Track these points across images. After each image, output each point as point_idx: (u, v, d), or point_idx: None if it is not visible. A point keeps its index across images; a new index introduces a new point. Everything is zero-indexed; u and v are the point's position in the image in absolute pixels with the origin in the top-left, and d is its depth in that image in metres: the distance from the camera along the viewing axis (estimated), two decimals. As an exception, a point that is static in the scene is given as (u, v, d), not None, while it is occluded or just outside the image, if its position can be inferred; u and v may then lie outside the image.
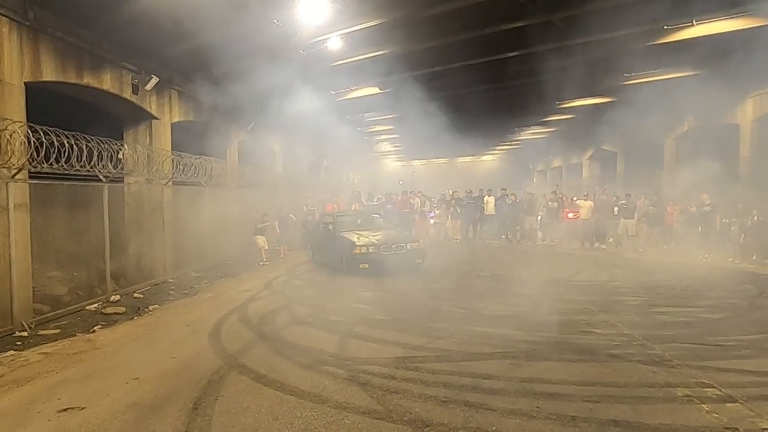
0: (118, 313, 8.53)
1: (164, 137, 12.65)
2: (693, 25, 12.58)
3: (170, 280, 11.51)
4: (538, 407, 4.49)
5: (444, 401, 4.62)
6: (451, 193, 19.63)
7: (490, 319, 7.59)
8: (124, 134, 12.44)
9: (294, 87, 14.25)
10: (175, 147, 12.89)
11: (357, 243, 11.69)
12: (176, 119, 13.14)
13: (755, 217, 13.48)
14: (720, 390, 4.80)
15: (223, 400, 4.74)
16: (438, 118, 16.50)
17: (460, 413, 4.39)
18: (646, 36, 13.35)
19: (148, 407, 4.66)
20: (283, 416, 4.41)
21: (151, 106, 12.11)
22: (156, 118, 12.34)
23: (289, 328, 7.22)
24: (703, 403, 4.53)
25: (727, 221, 14.17)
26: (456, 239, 18.81)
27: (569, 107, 20.71)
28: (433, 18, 12.19)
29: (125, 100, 11.19)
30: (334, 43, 13.06)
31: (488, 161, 42.08)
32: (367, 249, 11.55)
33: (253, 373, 5.43)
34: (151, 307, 8.98)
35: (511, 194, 19.10)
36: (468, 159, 41.52)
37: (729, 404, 4.51)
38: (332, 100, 17.92)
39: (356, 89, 17.74)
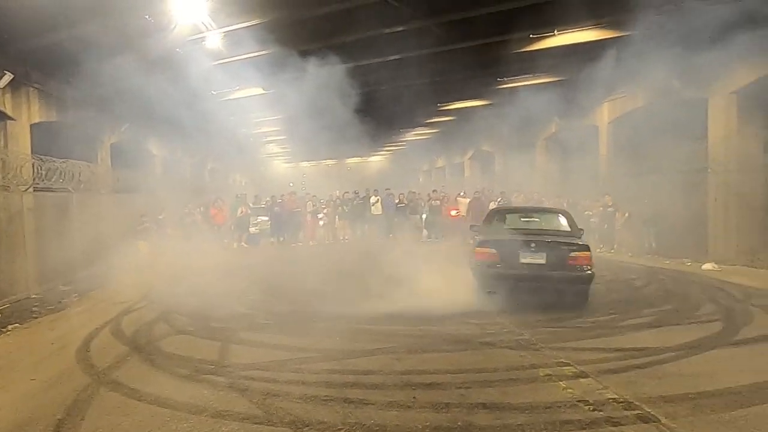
0: (-30, 336, 7.68)
1: (22, 139, 11.60)
2: (555, 34, 13.67)
3: (34, 296, 10.53)
4: (414, 398, 4.68)
5: (324, 400, 4.68)
6: (339, 194, 19.78)
7: (374, 317, 7.75)
8: (-26, 137, 11.25)
9: (171, 86, 13.64)
10: (36, 150, 11.82)
11: None
12: (36, 120, 12.08)
13: (610, 209, 14.98)
14: (575, 367, 5.30)
15: (90, 420, 4.45)
16: (323, 120, 16.54)
17: (339, 410, 4.47)
18: (515, 43, 14.33)
19: (2, 435, 4.27)
20: (158, 430, 4.23)
21: (5, 105, 11.05)
22: (11, 119, 11.27)
23: (167, 339, 6.92)
24: (561, 381, 4.98)
25: (590, 213, 15.56)
26: (344, 239, 19.00)
27: (449, 109, 21.68)
28: (315, 19, 12.28)
29: (-27, 99, 10.14)
30: (214, 42, 12.69)
31: (376, 162, 42.84)
32: None
33: (125, 388, 5.15)
34: (10, 327, 8.15)
35: (400, 194, 19.65)
36: (357, 160, 42.02)
37: (582, 379, 5.00)
38: (214, 101, 17.38)
39: (239, 89, 17.34)
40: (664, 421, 4.09)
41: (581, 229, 8.99)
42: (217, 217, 17.20)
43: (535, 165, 22.22)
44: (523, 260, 7.86)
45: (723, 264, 12.15)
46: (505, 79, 17.41)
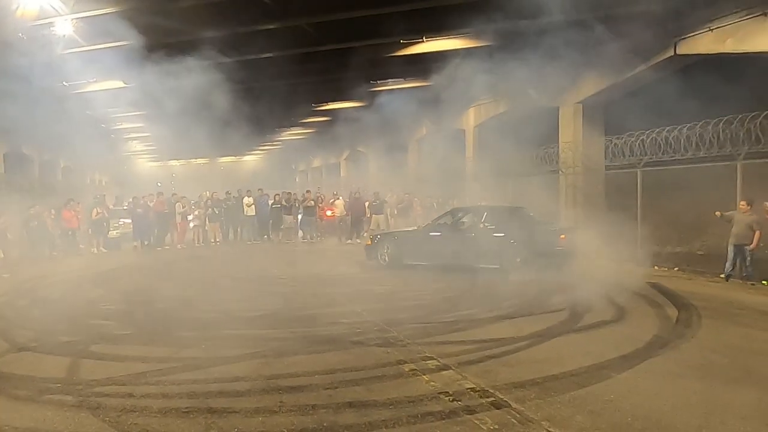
0: None
1: None
2: (423, 41, 14.21)
3: None
4: (281, 402, 4.62)
5: (186, 411, 4.46)
6: (209, 194, 18.93)
7: (243, 321, 7.57)
8: None
9: (13, 75, 12.26)
10: None
11: None
12: None
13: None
14: (438, 361, 5.54)
15: None
16: (192, 117, 15.77)
17: (202, 421, 4.29)
18: (386, 47, 14.69)
19: None
20: (-12, 461, 3.78)
21: None
22: None
23: (5, 357, 6.16)
24: (424, 375, 5.18)
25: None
26: (215, 242, 18.30)
27: (325, 110, 21.73)
28: (181, 11, 11.67)
29: None
30: (65, 28, 11.64)
31: (251, 161, 41.80)
32: None
33: (-52, 418, 4.53)
34: None
35: (275, 194, 19.30)
36: (230, 159, 40.67)
37: (444, 372, 5.24)
38: (67, 93, 15.94)
39: (96, 81, 16.05)
40: (514, 405, 4.41)
41: None
42: (72, 221, 15.71)
43: (407, 166, 22.97)
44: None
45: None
46: (378, 81, 17.81)
